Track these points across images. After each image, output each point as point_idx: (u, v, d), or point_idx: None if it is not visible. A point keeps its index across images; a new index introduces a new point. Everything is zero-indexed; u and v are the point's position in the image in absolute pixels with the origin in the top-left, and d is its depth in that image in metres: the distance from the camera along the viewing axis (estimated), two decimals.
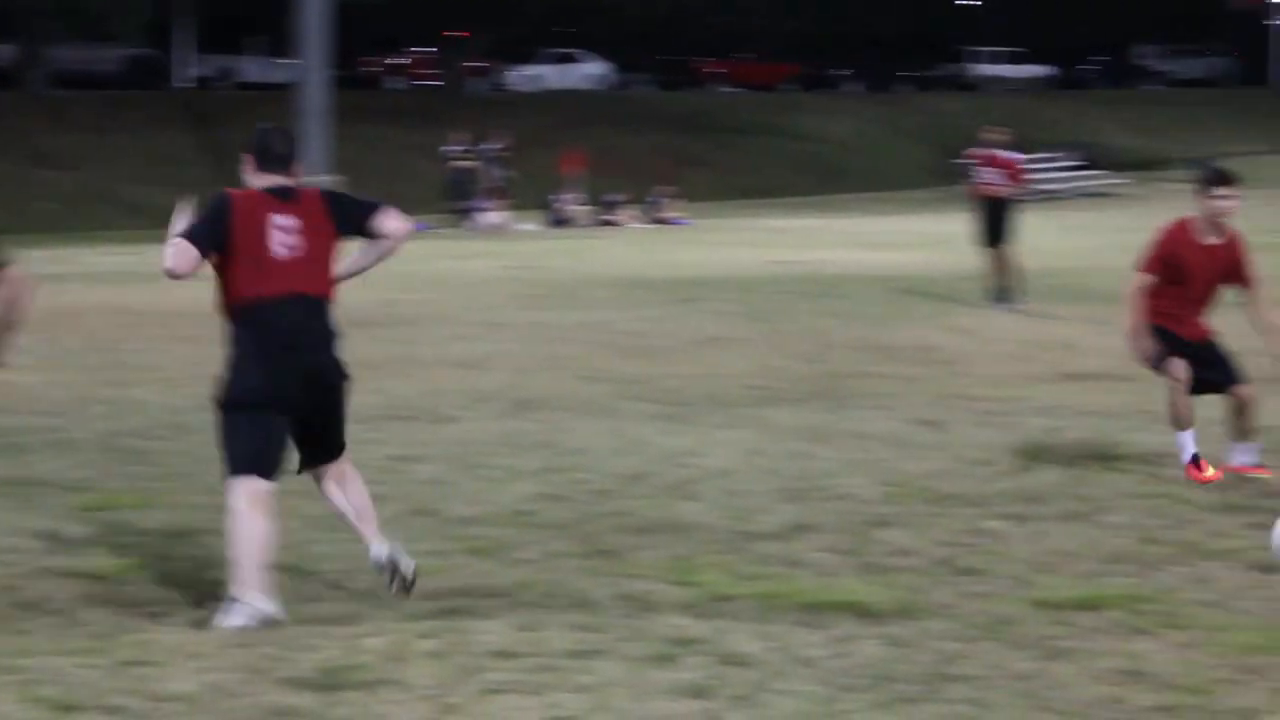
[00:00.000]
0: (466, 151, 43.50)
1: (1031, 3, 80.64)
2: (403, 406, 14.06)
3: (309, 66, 45.07)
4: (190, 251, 7.95)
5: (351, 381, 8.30)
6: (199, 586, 8.37)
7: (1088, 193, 52.13)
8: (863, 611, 8.09)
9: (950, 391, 15.06)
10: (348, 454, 8.48)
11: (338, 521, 8.51)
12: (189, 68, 64.57)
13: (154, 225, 42.12)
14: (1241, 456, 11.09)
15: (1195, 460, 11.01)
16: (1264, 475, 10.90)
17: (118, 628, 7.71)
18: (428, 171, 45.77)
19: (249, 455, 7.98)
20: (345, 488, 8.45)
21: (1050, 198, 51.51)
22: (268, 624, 7.77)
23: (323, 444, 8.34)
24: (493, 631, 7.77)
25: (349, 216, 8.36)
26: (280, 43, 59.39)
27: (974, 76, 77.68)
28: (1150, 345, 10.99)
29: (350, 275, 8.44)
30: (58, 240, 38.89)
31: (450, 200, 42.80)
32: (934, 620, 7.98)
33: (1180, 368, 10.95)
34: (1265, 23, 79.43)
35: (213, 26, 64.55)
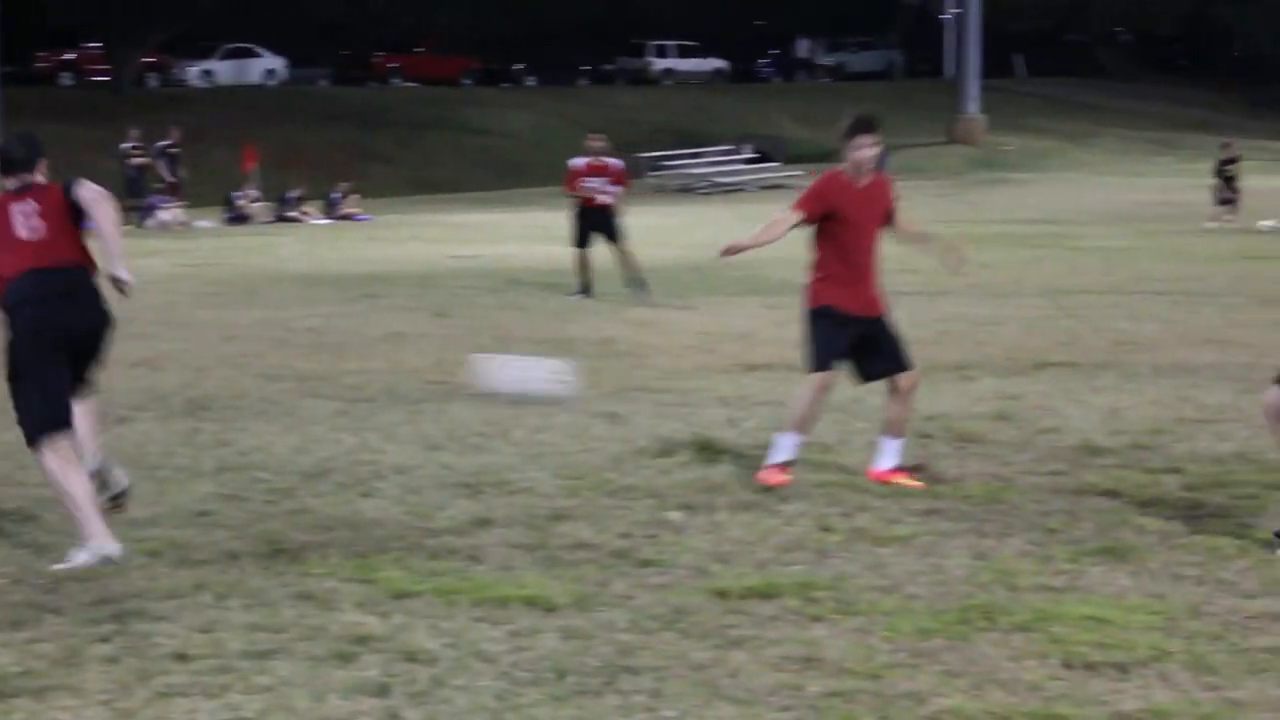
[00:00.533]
0: (137, 148, 42.78)
1: None
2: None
3: None
4: None
5: None
6: None
7: (766, 185, 52.88)
8: (542, 605, 8.12)
9: (630, 384, 15.19)
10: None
11: (7, 526, 8.32)
12: None
13: None
14: (888, 459, 10.90)
15: (784, 464, 10.81)
16: (913, 486, 10.74)
17: None
18: (105, 169, 44.89)
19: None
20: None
21: (729, 190, 52.27)
22: (109, 564, 8.77)
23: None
24: (169, 634, 7.67)
25: None
26: None
27: (650, 71, 78.41)
28: (811, 335, 10.77)
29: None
30: None
31: (126, 198, 42.04)
32: (613, 612, 8.04)
33: (828, 380, 10.80)
34: (940, 16, 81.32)
35: None
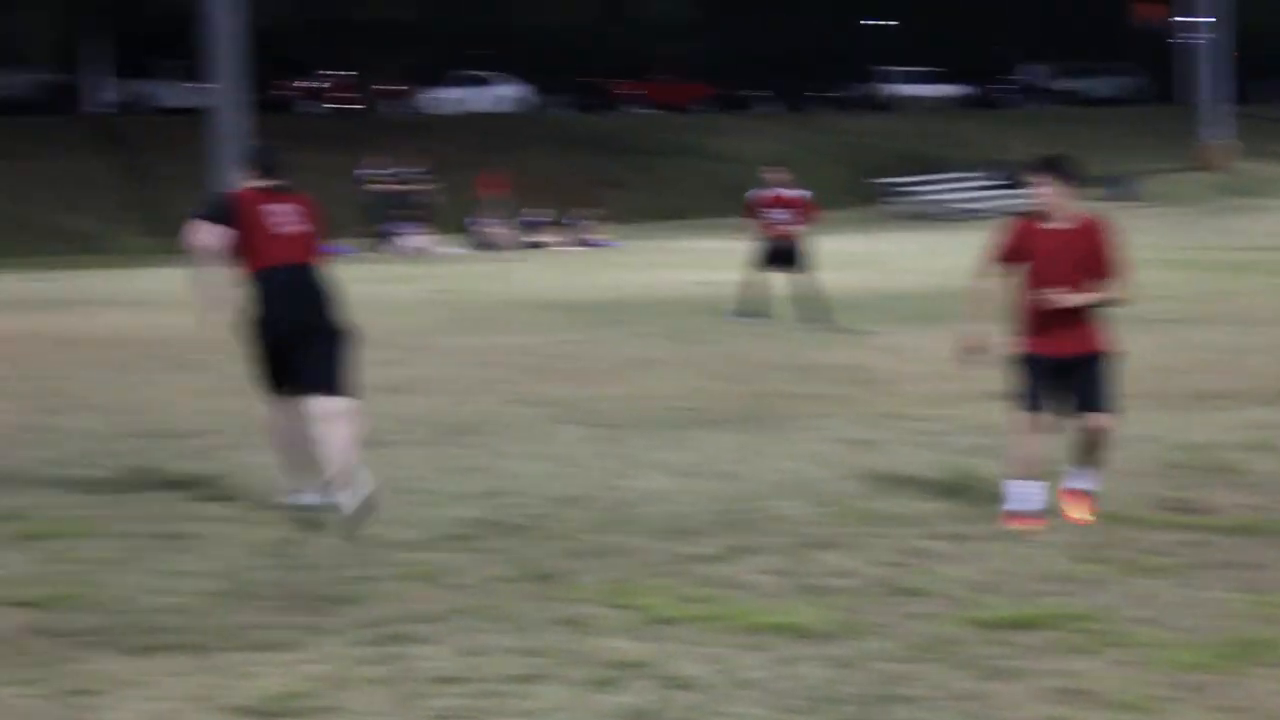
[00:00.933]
0: (384, 174, 43.43)
1: (943, 22, 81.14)
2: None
3: (223, 90, 44.94)
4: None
5: None
6: (138, 614, 8.33)
7: (1011, 211, 52.35)
8: (804, 633, 8.11)
9: (880, 411, 15.13)
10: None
11: (277, 548, 8.48)
12: (103, 92, 64.17)
13: (72, 251, 42.10)
14: (1071, 481, 10.69)
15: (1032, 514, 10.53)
16: (1082, 519, 10.50)
17: (59, 657, 7.67)
18: (345, 194, 45.66)
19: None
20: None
21: (974, 217, 51.89)
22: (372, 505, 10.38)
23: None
24: (434, 657, 7.76)
25: None
26: (194, 67, 59.13)
27: (887, 96, 78.04)
28: (1015, 378, 10.63)
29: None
30: None
31: (370, 223, 42.74)
32: (875, 640, 8.02)
33: (1034, 423, 10.55)
34: (1169, 40, 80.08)
35: (127, 51, 64.18)
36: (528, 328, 22.73)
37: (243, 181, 11.24)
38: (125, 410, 15.31)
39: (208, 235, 10.73)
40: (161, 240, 48.11)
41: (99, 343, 21.15)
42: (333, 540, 10.02)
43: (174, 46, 63.01)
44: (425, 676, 7.48)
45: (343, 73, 67.85)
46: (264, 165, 11.20)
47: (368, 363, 18.44)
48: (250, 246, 10.78)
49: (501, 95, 70.80)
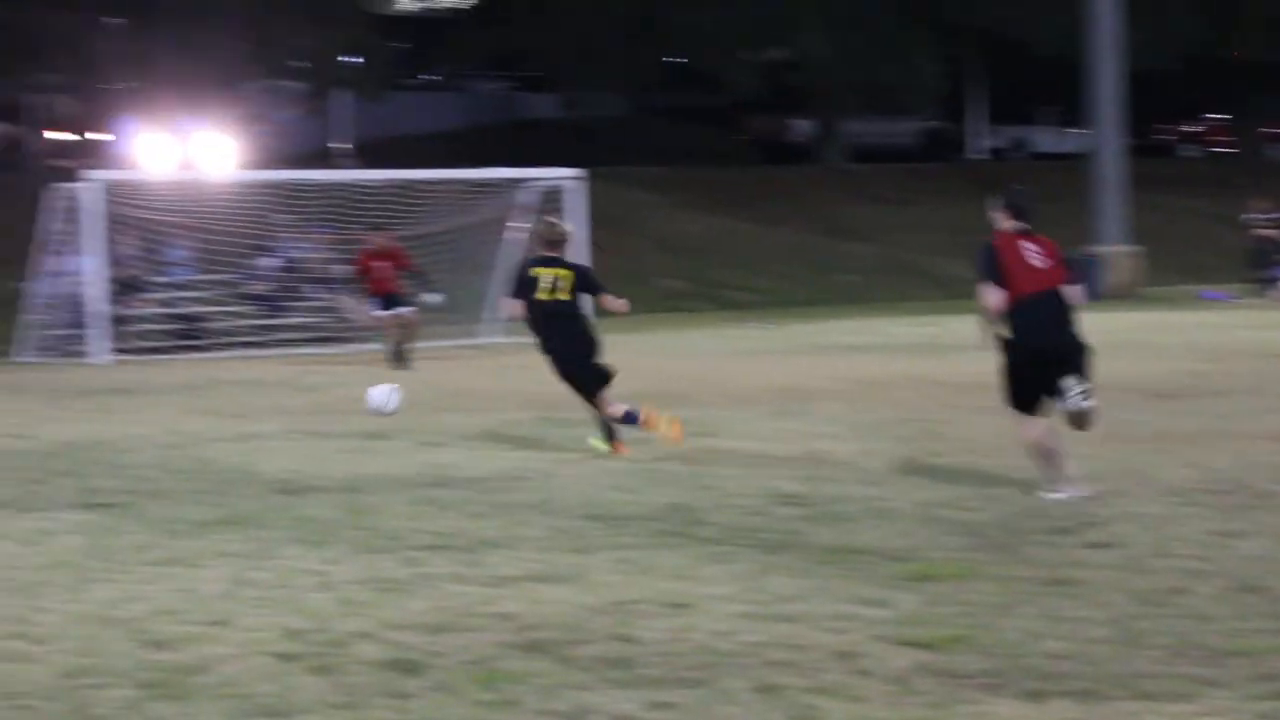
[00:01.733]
0: (1266, 219, 42.31)
1: None
2: (1218, 480, 13.70)
3: (1103, 136, 44.85)
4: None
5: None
6: (1028, 659, 8.35)
7: None
8: None
9: None
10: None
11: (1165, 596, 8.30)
12: (981, 139, 65.16)
13: (951, 296, 42.80)
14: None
15: None
16: None
17: (952, 698, 7.75)
18: (1222, 239, 44.81)
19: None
20: None
21: None
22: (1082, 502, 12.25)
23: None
24: None
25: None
26: (1072, 112, 59.25)
27: None
28: None
29: None
30: (858, 311, 39.80)
31: (1251, 269, 41.72)
32: None
33: None
34: None
35: (1005, 98, 64.98)
36: None
37: (1000, 223, 12.85)
38: (1003, 452, 15.42)
39: (996, 296, 12.50)
40: None
41: (970, 387, 21.44)
42: (1221, 590, 9.78)
43: (1052, 92, 63.38)
44: None
45: (1220, 116, 66.59)
46: (1018, 209, 12.85)
47: (1253, 410, 18.13)
48: (1009, 280, 12.46)
49: None
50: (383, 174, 34.46)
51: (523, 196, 33.84)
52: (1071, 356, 12.54)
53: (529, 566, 10.53)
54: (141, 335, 30.90)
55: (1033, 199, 13.06)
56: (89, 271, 29.78)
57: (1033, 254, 12.64)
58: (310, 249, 33.31)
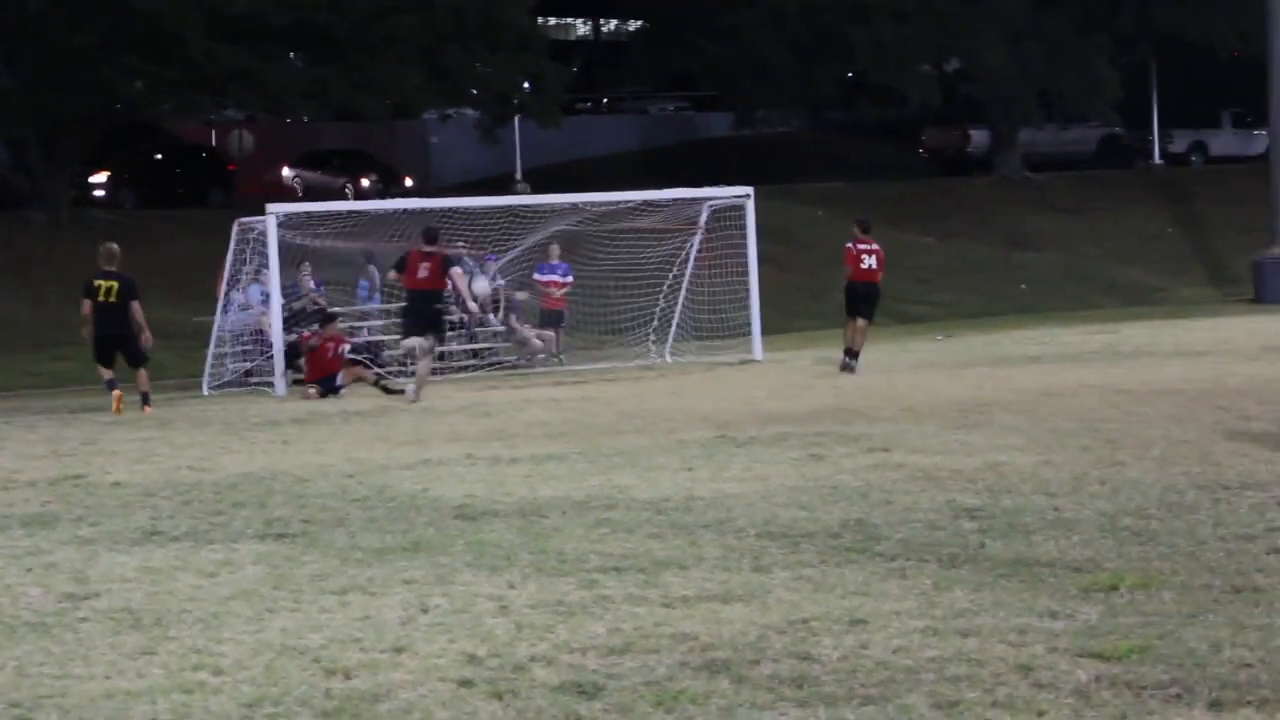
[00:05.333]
0: None
1: None
2: None
3: None
4: None
5: None
6: (1213, 669, 8.20)
7: None
8: None
9: None
10: None
11: None
12: (1160, 144, 64.39)
13: (1130, 303, 42.44)
14: None
15: None
16: None
17: (1134, 710, 7.63)
18: None
19: None
20: None
21: None
22: None
23: None
24: None
25: None
26: (1253, 114, 58.44)
27: None
28: None
29: None
30: (1035, 321, 39.49)
31: None
32: None
33: None
34: None
35: (1184, 101, 64.17)
36: None
37: None
38: (1184, 460, 15.22)
39: None
40: (1221, 290, 47.82)
41: (1152, 394, 21.21)
42: None
43: (1232, 95, 62.53)
44: None
45: None
46: None
47: None
48: None
49: None
50: (559, 198, 34.67)
51: (698, 215, 33.91)
52: None
53: (706, 586, 10.51)
54: None
55: None
56: (269, 303, 30.17)
57: None
58: (485, 275, 33.58)
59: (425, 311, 27.33)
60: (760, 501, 13.91)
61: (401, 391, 27.17)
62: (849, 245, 29.46)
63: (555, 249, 33.73)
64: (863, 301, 29.01)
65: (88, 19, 44.12)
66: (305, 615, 10.13)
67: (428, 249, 27.26)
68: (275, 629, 9.79)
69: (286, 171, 57.47)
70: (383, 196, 48.70)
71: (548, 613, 9.92)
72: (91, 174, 52.71)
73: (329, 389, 28.18)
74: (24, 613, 10.50)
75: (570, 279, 33.81)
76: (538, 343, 33.49)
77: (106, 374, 26.39)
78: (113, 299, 25.76)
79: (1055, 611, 9.51)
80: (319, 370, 28.65)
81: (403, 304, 28.64)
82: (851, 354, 28.66)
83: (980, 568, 10.84)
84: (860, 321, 28.92)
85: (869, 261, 29.02)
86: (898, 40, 55.16)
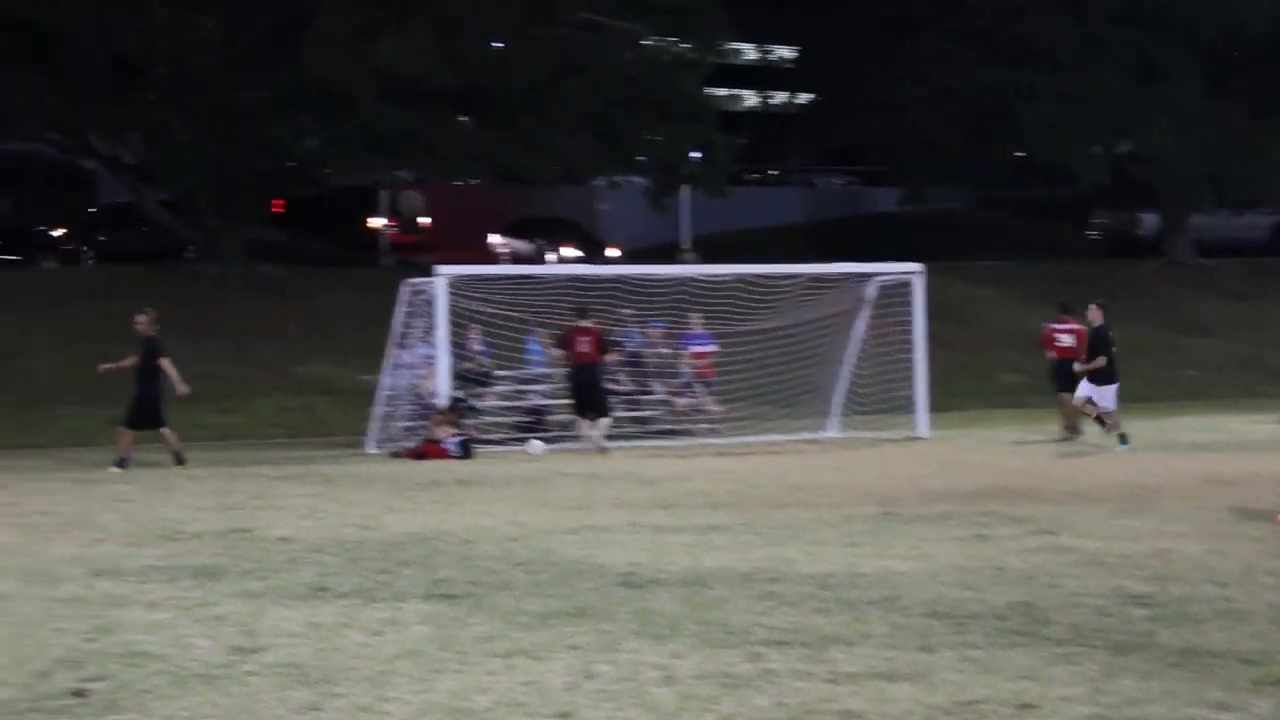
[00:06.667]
0: None
1: None
2: None
3: None
4: None
5: None
6: None
7: None
8: None
9: None
10: None
11: None
12: None
13: None
14: None
15: None
16: None
17: None
18: None
19: None
20: None
21: None
22: None
23: None
24: None
25: None
26: None
27: None
28: None
29: None
30: (1204, 407, 39.03)
31: None
32: None
33: None
34: None
35: None
36: None
37: None
38: None
39: None
40: None
41: None
42: None
43: None
44: None
45: None
46: None
47: None
48: None
49: None
50: (727, 268, 34.72)
51: (865, 291, 33.87)
52: None
53: (872, 664, 10.44)
54: (483, 428, 31.42)
55: None
56: (434, 364, 30.38)
57: None
58: (652, 342, 33.65)
59: (588, 384, 29.38)
60: (926, 580, 13.82)
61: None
62: (1046, 325, 32.08)
63: (697, 318, 33.76)
64: (1065, 377, 30.56)
65: (263, 77, 44.79)
66: (471, 677, 10.17)
67: (583, 324, 29.42)
68: (442, 690, 9.83)
69: (496, 239, 58.71)
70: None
71: (713, 684, 9.91)
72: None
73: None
74: (193, 664, 10.62)
75: (712, 347, 33.81)
76: (706, 410, 33.58)
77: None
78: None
79: (1227, 703, 9.38)
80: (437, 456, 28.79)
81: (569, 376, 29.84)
82: (1070, 429, 30.85)
83: (1150, 656, 10.70)
84: (1065, 395, 30.58)
85: (1065, 340, 31.29)
86: (1067, 120, 54.86)
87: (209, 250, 48.25)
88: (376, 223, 59.28)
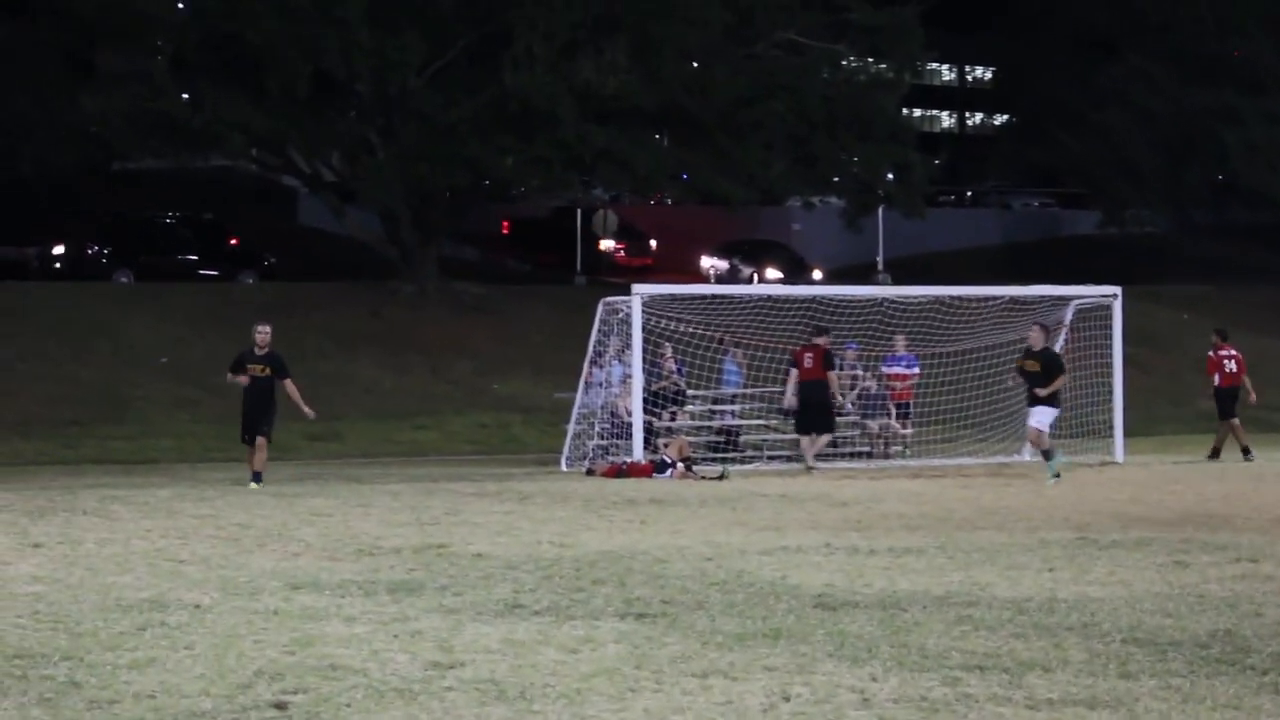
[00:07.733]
0: None
1: None
2: None
3: None
4: None
5: None
6: None
7: None
8: None
9: None
10: None
11: None
12: None
13: None
14: None
15: None
16: None
17: None
18: None
19: None
20: None
21: None
22: None
23: None
24: None
25: None
26: None
27: None
28: None
29: None
30: None
31: None
32: None
33: None
34: None
35: None
36: None
37: None
38: None
39: None
40: None
41: None
42: None
43: None
44: None
45: None
46: None
47: None
48: None
49: None
50: (924, 290, 34.57)
51: (1062, 314, 33.55)
52: None
53: (1071, 690, 10.31)
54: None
55: None
56: (629, 382, 30.47)
57: None
58: (849, 364, 33.54)
59: (813, 402, 30.26)
60: (1125, 606, 13.63)
61: (720, 477, 28.11)
62: (1210, 354, 33.50)
63: (901, 340, 33.61)
64: (1231, 402, 32.67)
65: (464, 97, 45.26)
66: (668, 697, 10.17)
67: (816, 341, 30.70)
68: (638, 709, 9.84)
69: (707, 261, 59.38)
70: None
71: (910, 708, 9.83)
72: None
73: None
74: (391, 679, 10.70)
75: (916, 370, 33.63)
76: (898, 433, 33.44)
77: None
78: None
79: None
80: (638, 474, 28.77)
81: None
82: (1244, 450, 32.17)
83: None
84: (1235, 420, 32.60)
85: (1230, 366, 33.10)
86: (1272, 143, 54.02)
87: (407, 267, 48.80)
88: (606, 244, 60.08)
